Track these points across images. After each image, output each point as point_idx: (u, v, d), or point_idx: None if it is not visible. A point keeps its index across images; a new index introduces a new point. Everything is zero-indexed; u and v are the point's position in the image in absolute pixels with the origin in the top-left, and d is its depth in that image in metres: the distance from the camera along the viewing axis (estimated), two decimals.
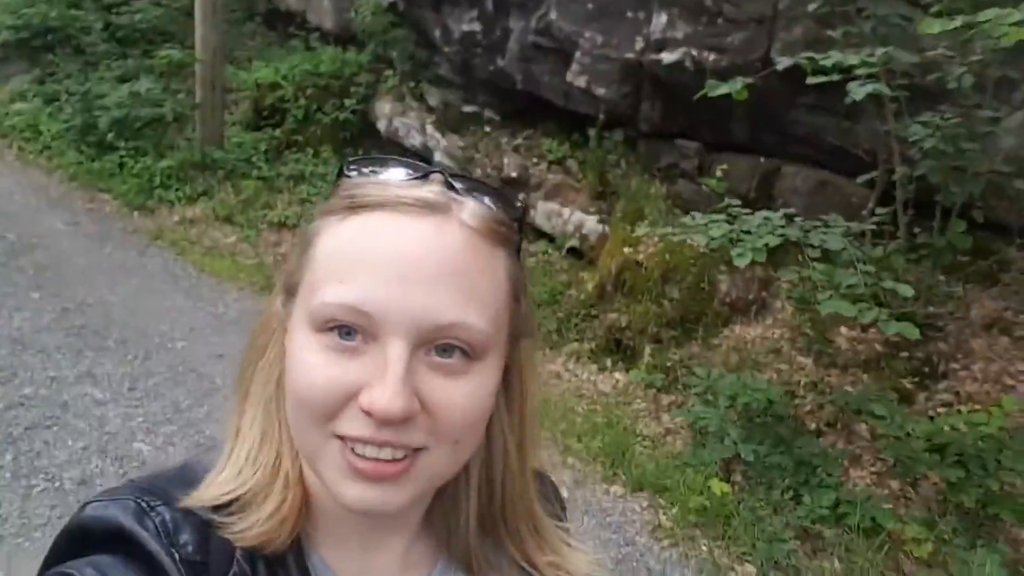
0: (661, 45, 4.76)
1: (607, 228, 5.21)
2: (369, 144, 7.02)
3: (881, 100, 3.82)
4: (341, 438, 0.55)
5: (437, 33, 6.19)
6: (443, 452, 0.56)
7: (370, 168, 0.59)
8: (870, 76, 3.01)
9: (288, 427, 0.61)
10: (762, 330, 4.53)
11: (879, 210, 3.91)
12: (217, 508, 0.59)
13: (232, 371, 0.68)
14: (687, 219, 3.37)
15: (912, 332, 2.75)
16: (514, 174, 5.70)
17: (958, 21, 2.58)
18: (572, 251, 5.43)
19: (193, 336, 4.64)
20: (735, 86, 2.98)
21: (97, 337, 4.47)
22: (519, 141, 5.97)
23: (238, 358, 0.69)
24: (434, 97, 6.57)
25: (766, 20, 4.55)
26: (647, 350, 4.51)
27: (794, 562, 3.01)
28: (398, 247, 0.54)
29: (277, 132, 7.35)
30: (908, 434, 3.38)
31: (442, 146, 6.27)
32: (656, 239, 4.67)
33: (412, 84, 6.75)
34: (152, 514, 0.58)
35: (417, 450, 0.55)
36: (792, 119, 4.64)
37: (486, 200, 0.58)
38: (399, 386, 0.52)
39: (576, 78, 5.07)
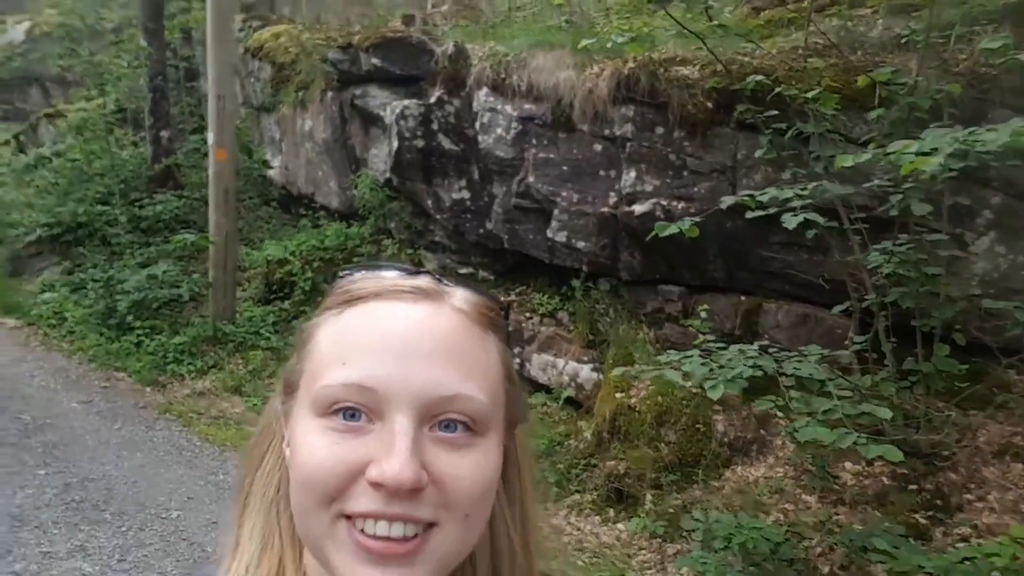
0: (632, 198, 5.05)
1: (601, 376, 5.24)
2: None
3: (845, 233, 3.99)
4: (349, 518, 0.54)
5: (429, 203, 6.62)
6: (454, 528, 0.56)
7: (363, 270, 0.62)
8: (804, 207, 3.18)
9: (290, 536, 0.60)
10: (765, 470, 4.42)
11: (858, 338, 3.94)
12: None
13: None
14: (661, 357, 3.42)
15: (895, 455, 2.70)
16: (508, 328, 5.84)
17: (869, 154, 2.77)
18: (569, 401, 5.44)
19: (189, 505, 4.63)
20: (683, 225, 3.15)
21: (95, 510, 4.50)
22: (512, 297, 6.17)
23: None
24: (431, 261, 6.91)
25: (727, 169, 4.86)
26: (648, 497, 4.39)
27: None
28: (397, 328, 0.56)
29: (286, 304, 7.68)
30: (921, 567, 3.19)
31: None
32: (648, 383, 4.69)
33: (410, 251, 7.12)
34: None
35: (428, 528, 0.55)
36: (766, 256, 4.81)
37: (472, 290, 0.62)
38: (408, 455, 0.52)
39: (556, 234, 5.35)
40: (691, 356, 3.35)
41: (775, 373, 3.18)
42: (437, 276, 0.61)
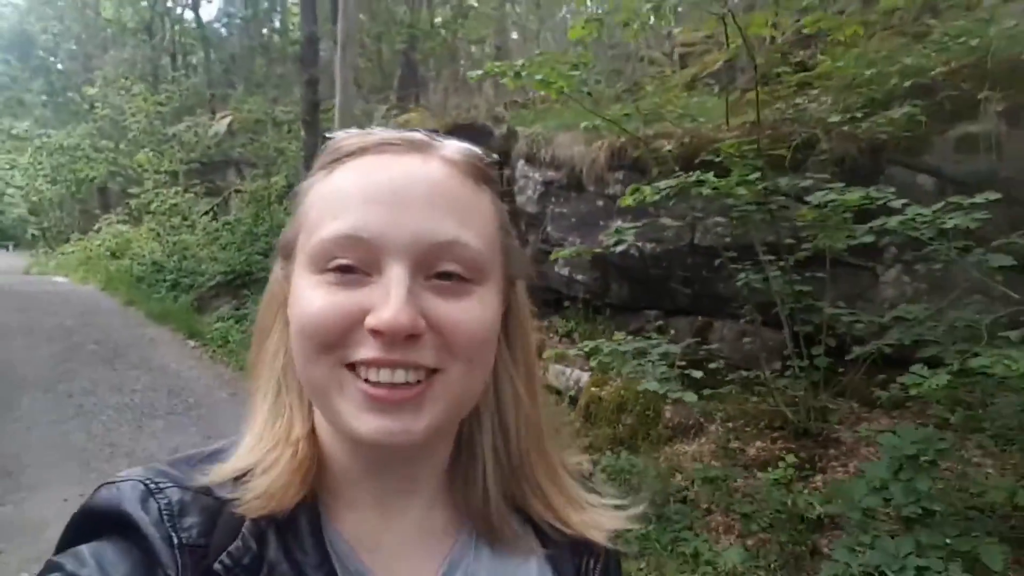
0: (617, 242, 6.51)
1: None
2: None
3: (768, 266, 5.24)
4: (352, 368, 0.55)
5: None
6: (458, 373, 0.56)
7: (349, 131, 0.62)
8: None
9: (299, 397, 0.63)
10: (696, 447, 5.57)
11: (747, 340, 5.12)
12: (234, 482, 0.59)
13: None
14: (582, 343, 4.87)
15: (691, 398, 3.96)
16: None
17: (659, 192, 4.15)
18: (572, 400, 6.85)
19: None
20: (572, 251, 4.65)
21: None
22: (544, 323, 7.72)
23: None
24: None
25: (687, 216, 6.22)
26: (602, 462, 5.69)
27: None
28: (386, 178, 0.56)
29: None
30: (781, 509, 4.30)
31: None
32: (617, 380, 6.05)
33: None
34: (158, 496, 0.57)
35: (432, 373, 0.56)
36: (718, 285, 6.07)
37: (464, 143, 0.61)
38: (403, 301, 0.53)
39: (561, 268, 6.89)
40: (600, 342, 4.79)
41: (635, 352, 4.53)
42: (428, 132, 0.60)
